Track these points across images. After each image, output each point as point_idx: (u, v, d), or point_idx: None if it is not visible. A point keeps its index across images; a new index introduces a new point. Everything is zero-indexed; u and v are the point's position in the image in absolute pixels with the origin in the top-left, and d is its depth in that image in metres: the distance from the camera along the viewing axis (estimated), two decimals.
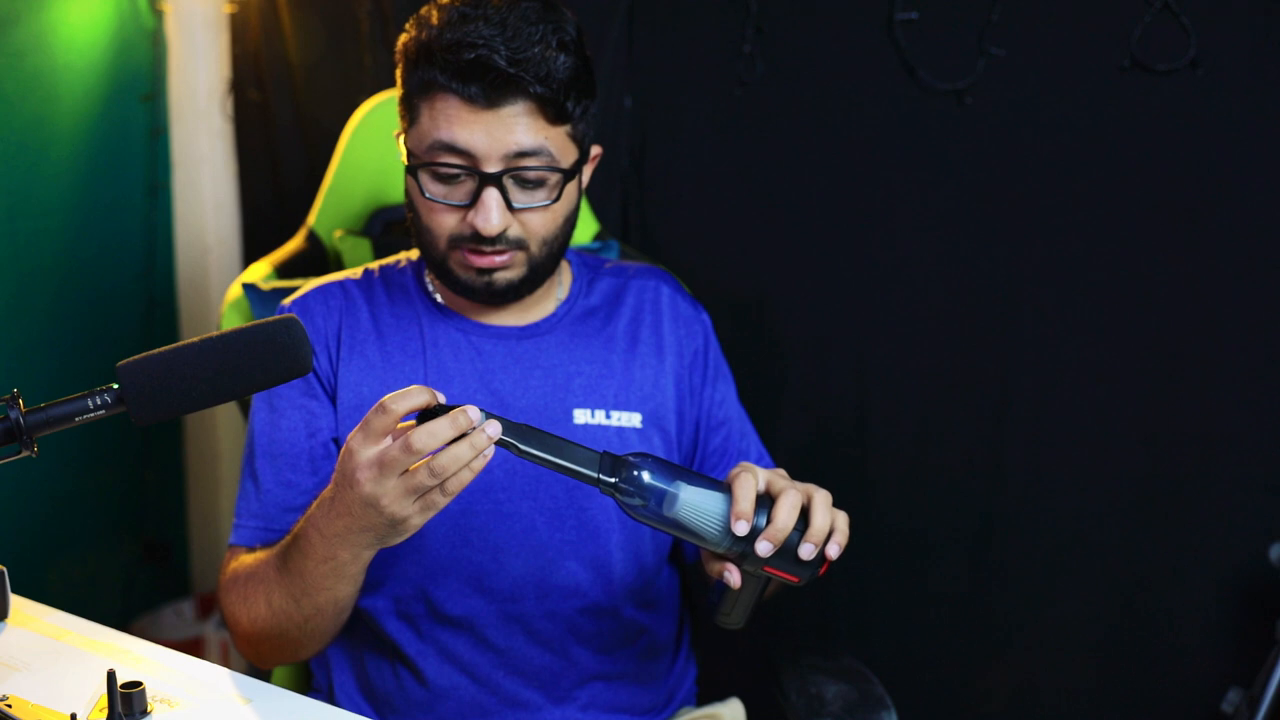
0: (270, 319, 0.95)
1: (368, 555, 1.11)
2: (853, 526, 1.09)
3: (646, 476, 1.05)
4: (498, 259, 1.24)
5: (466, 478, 1.01)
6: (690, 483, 1.06)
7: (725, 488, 1.07)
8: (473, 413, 0.99)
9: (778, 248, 1.92)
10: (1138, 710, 1.78)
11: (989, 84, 1.72)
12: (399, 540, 1.07)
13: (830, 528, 1.06)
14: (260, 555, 1.22)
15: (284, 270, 1.71)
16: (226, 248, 2.43)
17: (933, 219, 1.81)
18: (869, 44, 1.78)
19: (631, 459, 1.06)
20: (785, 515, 1.04)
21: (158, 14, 2.29)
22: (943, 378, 1.83)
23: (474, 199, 1.21)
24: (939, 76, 1.75)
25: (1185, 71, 1.60)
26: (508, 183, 1.21)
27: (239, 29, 2.33)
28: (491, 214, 1.20)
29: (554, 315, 1.37)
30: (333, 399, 1.31)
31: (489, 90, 1.17)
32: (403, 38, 1.25)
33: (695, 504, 1.05)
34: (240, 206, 2.43)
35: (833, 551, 1.06)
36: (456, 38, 1.17)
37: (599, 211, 1.85)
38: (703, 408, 1.42)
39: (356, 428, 1.03)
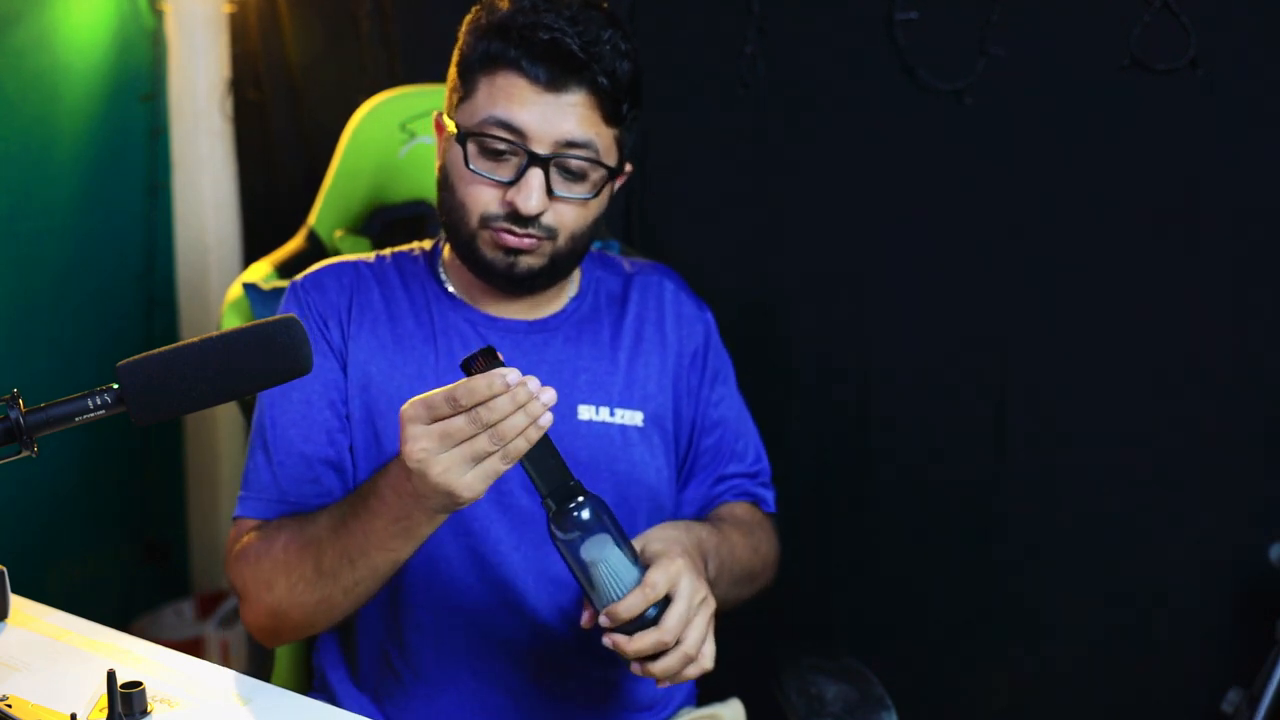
0: (270, 319, 0.94)
1: (440, 519, 1.10)
2: (855, 526, 1.09)
3: (585, 515, 1.07)
4: (526, 242, 1.24)
5: (523, 446, 1.01)
6: (618, 544, 1.09)
7: (642, 565, 1.11)
8: (532, 384, 0.99)
9: (778, 247, 1.92)
10: (1138, 710, 1.78)
11: (989, 84, 1.72)
12: (461, 506, 1.06)
13: (689, 652, 1.11)
14: (299, 520, 1.21)
15: (284, 270, 1.71)
16: (226, 248, 2.43)
17: (932, 218, 1.81)
18: (869, 44, 1.78)
19: (587, 497, 1.08)
20: (671, 632, 1.10)
21: (158, 14, 2.30)
22: (943, 377, 1.83)
23: (517, 177, 1.22)
24: (939, 76, 1.75)
25: (1185, 71, 1.60)
26: (553, 168, 1.22)
27: (238, 29, 2.33)
28: (533, 194, 1.21)
29: (563, 312, 1.37)
30: (344, 371, 1.32)
31: (556, 74, 1.20)
32: (469, 17, 1.27)
33: (611, 566, 1.08)
34: (240, 206, 2.43)
35: (682, 670, 1.13)
36: (531, 20, 1.20)
37: None
38: (698, 409, 1.42)
39: (414, 401, 1.01)
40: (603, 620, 1.09)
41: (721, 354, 1.47)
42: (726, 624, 1.62)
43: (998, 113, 1.73)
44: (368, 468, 1.29)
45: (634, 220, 2.00)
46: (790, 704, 1.34)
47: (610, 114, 1.24)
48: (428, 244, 1.42)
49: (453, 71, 1.29)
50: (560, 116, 1.21)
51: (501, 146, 1.22)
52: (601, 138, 1.24)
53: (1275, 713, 1.54)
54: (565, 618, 1.31)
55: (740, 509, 1.43)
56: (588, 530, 1.07)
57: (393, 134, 1.77)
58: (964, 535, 1.86)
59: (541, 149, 1.21)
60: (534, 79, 1.20)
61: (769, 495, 1.48)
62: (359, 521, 1.12)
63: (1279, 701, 1.54)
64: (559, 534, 1.08)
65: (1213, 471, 1.68)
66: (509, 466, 1.02)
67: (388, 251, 1.41)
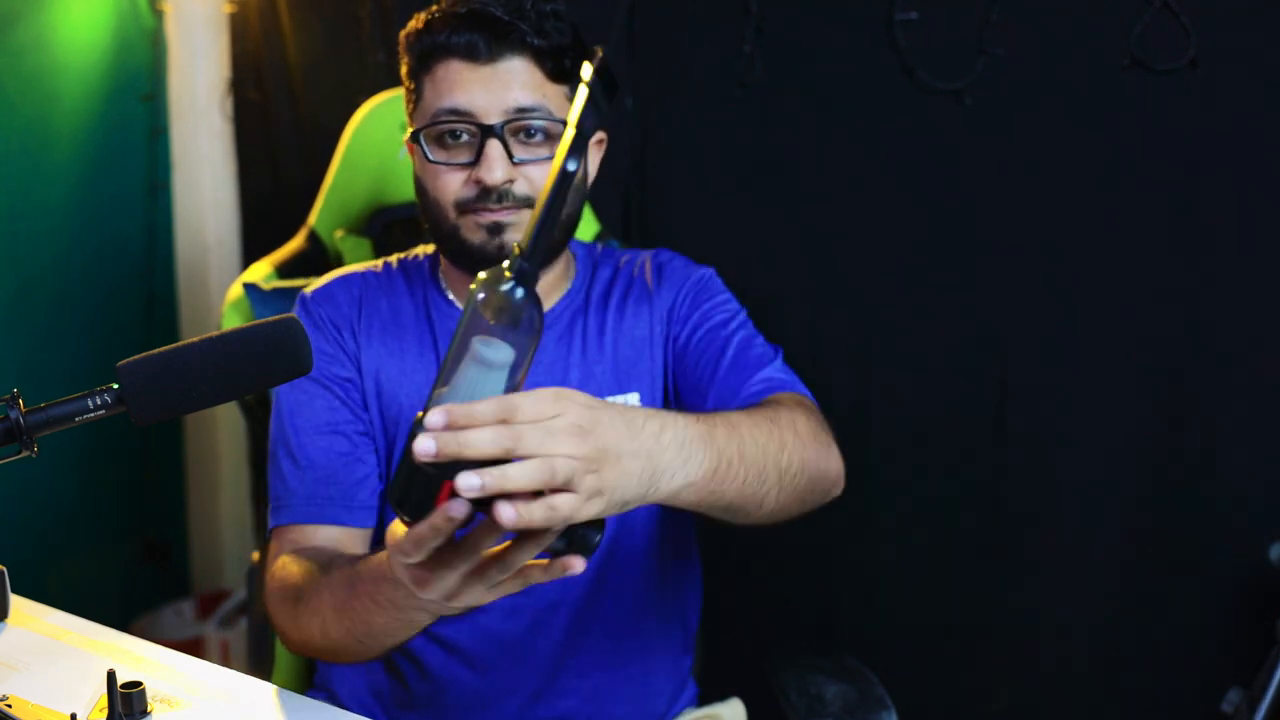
0: (270, 319, 0.94)
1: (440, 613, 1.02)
2: (855, 527, 1.08)
3: (515, 299, 0.82)
4: (506, 215, 1.24)
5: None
6: (510, 373, 0.83)
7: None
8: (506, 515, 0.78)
9: (778, 247, 1.92)
10: (1138, 710, 1.78)
11: (988, 84, 1.72)
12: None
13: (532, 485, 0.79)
14: (317, 577, 1.14)
15: (285, 270, 1.71)
16: (226, 247, 2.43)
17: (932, 218, 1.81)
18: (869, 44, 1.78)
19: (535, 305, 0.82)
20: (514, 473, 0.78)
21: (158, 14, 2.30)
22: (942, 377, 1.83)
23: (477, 156, 1.23)
24: (938, 76, 1.75)
25: (1185, 71, 1.60)
26: (509, 136, 1.23)
27: (239, 29, 2.33)
28: (494, 164, 1.21)
29: (555, 309, 1.37)
30: (360, 379, 1.32)
31: (487, 43, 1.21)
32: (402, 34, 1.28)
33: (482, 380, 0.82)
34: (240, 206, 2.43)
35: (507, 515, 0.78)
36: (452, 6, 1.24)
37: (599, 211, 1.85)
38: (681, 341, 1.36)
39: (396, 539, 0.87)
40: (432, 418, 0.78)
41: (716, 297, 1.39)
42: (729, 625, 1.63)
43: (997, 113, 1.73)
44: (386, 472, 1.30)
45: (633, 220, 2.01)
46: (790, 704, 1.34)
47: (553, 72, 1.24)
48: (431, 248, 1.42)
49: (405, 88, 1.31)
50: (501, 85, 1.22)
51: (454, 131, 1.23)
52: (551, 97, 1.24)
53: (1275, 713, 1.54)
54: (568, 618, 1.31)
55: (767, 400, 1.24)
56: (500, 324, 0.81)
57: (393, 134, 1.77)
58: (964, 535, 1.86)
59: (492, 120, 1.22)
60: (467, 56, 1.22)
61: (803, 390, 1.31)
62: (360, 608, 1.05)
63: (1279, 701, 1.54)
64: (472, 293, 0.83)
65: (1213, 471, 1.68)
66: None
67: (394, 258, 1.42)
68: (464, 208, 1.25)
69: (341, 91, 2.16)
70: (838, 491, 1.22)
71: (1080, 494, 1.77)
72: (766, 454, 1.06)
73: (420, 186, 1.29)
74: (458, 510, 0.79)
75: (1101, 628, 1.79)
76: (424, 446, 0.77)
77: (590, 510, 0.82)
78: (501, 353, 0.82)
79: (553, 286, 1.37)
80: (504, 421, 0.79)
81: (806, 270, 1.90)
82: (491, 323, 0.81)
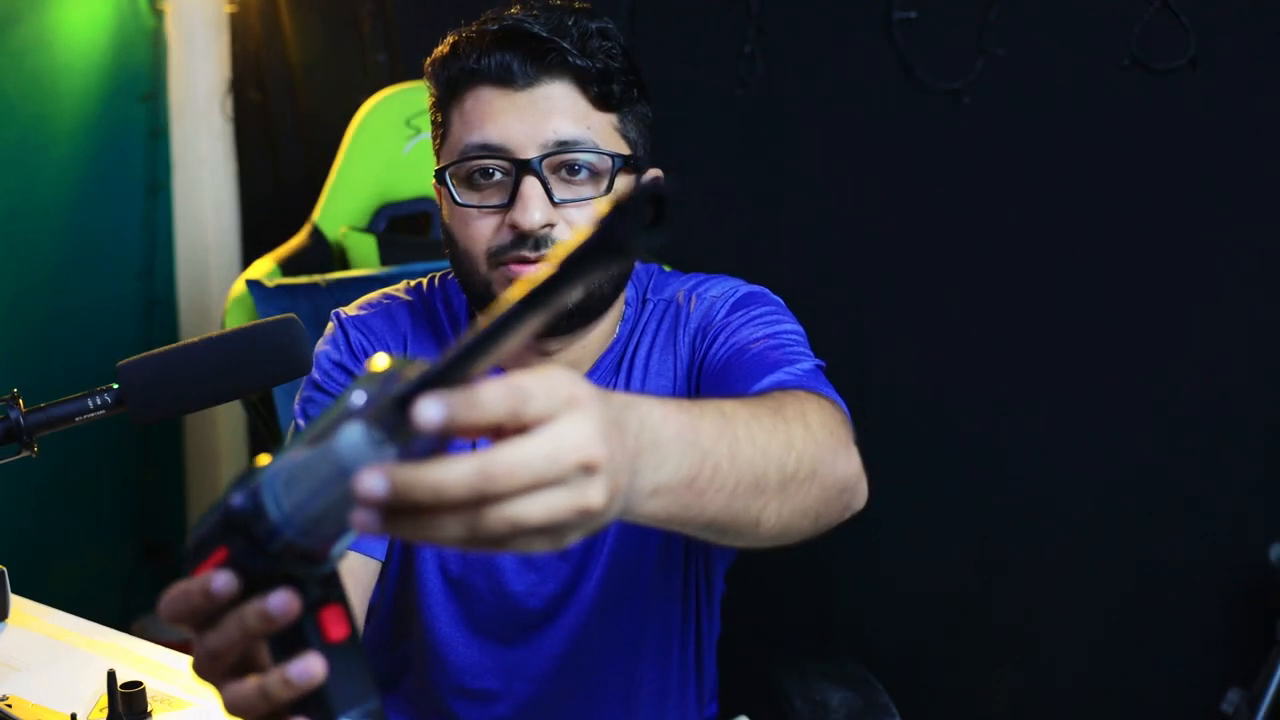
0: (269, 319, 0.94)
1: None
2: (855, 532, 1.06)
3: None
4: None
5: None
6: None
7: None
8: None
9: (776, 247, 1.92)
10: (1138, 710, 1.78)
11: (988, 83, 1.72)
12: None
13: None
14: None
15: (288, 266, 1.71)
16: (227, 247, 2.43)
17: (931, 218, 1.81)
18: (868, 44, 1.78)
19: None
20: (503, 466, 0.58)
21: (158, 14, 2.30)
22: (942, 377, 1.83)
23: (511, 196, 1.06)
24: (937, 76, 1.75)
25: (1185, 71, 1.60)
26: (549, 173, 1.06)
27: (239, 29, 2.33)
28: (531, 205, 1.04)
29: (595, 371, 1.20)
30: None
31: (524, 65, 1.05)
32: (427, 62, 1.15)
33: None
34: (240, 206, 2.43)
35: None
36: (484, 25, 1.09)
37: None
38: (701, 366, 1.22)
39: None
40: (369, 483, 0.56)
41: (753, 311, 1.23)
42: (733, 630, 1.62)
43: (997, 112, 1.73)
44: None
45: None
46: (794, 711, 1.33)
47: (599, 98, 1.08)
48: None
49: (430, 123, 1.16)
50: (540, 115, 1.06)
51: (485, 169, 1.07)
52: (596, 128, 1.08)
53: (1275, 713, 1.54)
54: (583, 638, 1.26)
55: (775, 392, 1.05)
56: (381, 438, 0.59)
57: (397, 130, 1.78)
58: (963, 537, 1.86)
59: (528, 154, 1.05)
60: (499, 81, 1.06)
61: (829, 392, 1.13)
62: None
63: (1279, 701, 1.54)
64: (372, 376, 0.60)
65: (1212, 471, 1.68)
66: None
67: (425, 282, 1.26)
68: (497, 258, 1.08)
69: (342, 91, 2.16)
70: (859, 503, 1.03)
71: (1080, 495, 1.76)
72: (768, 455, 0.84)
73: (448, 234, 1.12)
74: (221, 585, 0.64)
75: (1102, 628, 1.79)
76: (429, 414, 0.56)
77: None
78: (355, 456, 0.59)
79: (595, 343, 1.19)
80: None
81: (804, 269, 1.90)
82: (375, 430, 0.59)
